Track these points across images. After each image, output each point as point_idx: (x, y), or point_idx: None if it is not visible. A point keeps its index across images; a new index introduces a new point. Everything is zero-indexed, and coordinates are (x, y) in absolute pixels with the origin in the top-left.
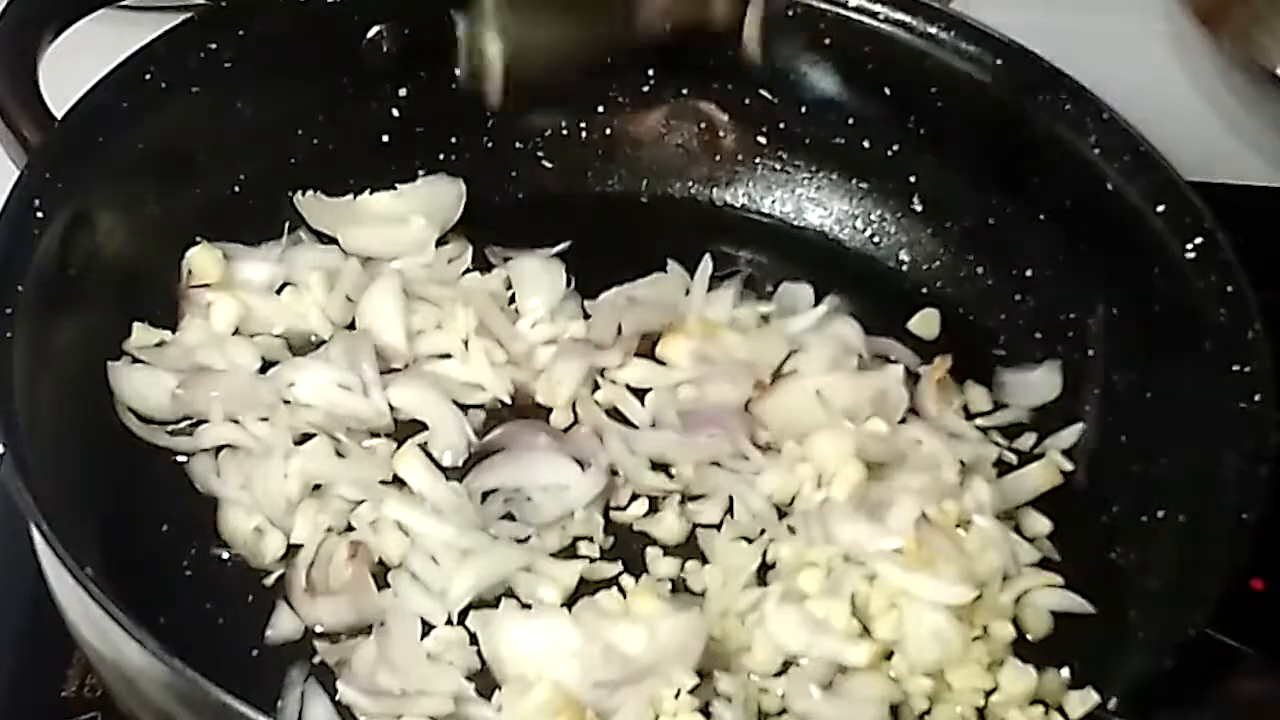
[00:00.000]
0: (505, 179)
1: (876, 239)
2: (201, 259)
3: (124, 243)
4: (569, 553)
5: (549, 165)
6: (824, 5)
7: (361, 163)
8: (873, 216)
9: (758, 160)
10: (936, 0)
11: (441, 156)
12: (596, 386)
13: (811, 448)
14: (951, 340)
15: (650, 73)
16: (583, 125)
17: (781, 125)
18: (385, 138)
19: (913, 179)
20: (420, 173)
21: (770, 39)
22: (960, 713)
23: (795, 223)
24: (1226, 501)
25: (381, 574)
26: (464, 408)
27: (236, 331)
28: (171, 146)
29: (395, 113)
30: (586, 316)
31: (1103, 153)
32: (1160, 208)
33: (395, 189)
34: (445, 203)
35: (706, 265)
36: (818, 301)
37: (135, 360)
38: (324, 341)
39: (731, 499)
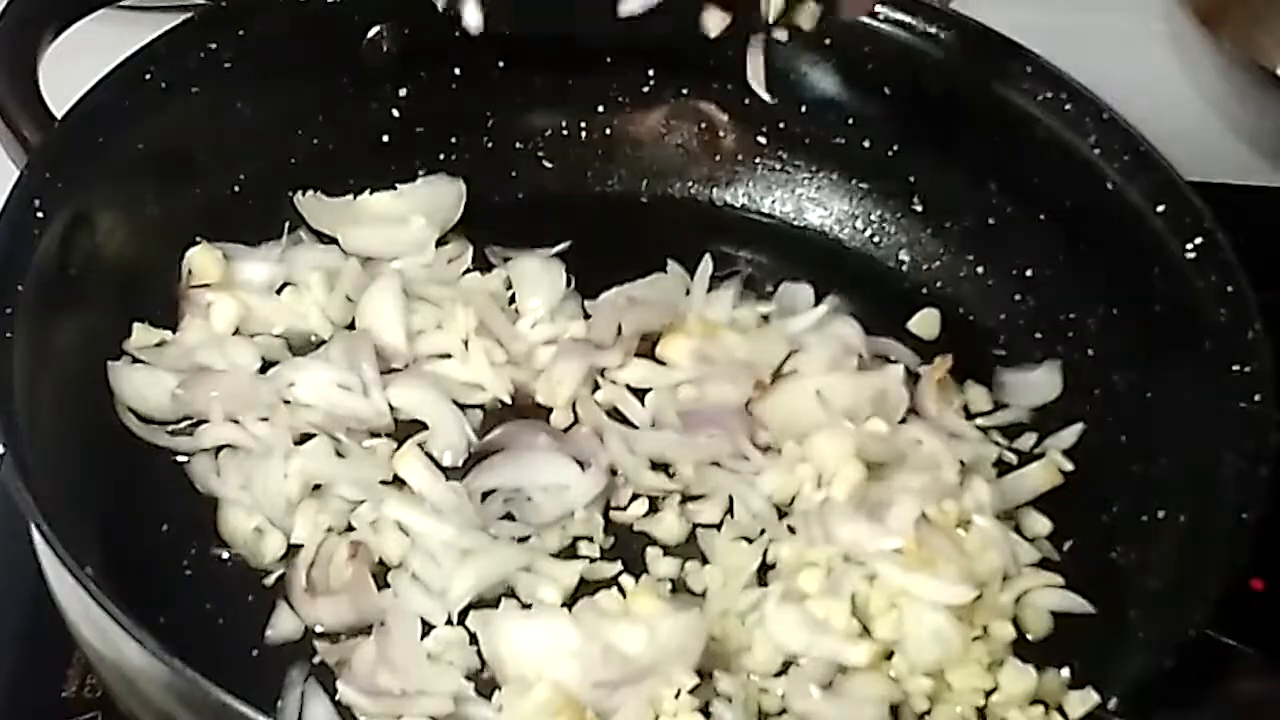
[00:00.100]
0: (505, 179)
1: (876, 239)
2: (201, 259)
3: (124, 243)
4: (569, 553)
5: (549, 165)
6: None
7: (361, 163)
8: (873, 216)
9: (758, 160)
10: (936, 0)
11: (441, 156)
12: (596, 386)
13: (811, 448)
14: (951, 340)
15: (650, 73)
16: (583, 125)
17: (781, 125)
18: (385, 138)
19: (913, 179)
20: (420, 173)
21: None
22: (960, 713)
23: (795, 223)
24: (1226, 501)
25: (381, 574)
26: (464, 408)
27: (236, 331)
28: (171, 146)
29: (395, 113)
30: (586, 316)
31: (1103, 153)
32: (1160, 208)
33: (395, 189)
34: (445, 203)
35: (706, 265)
36: (818, 301)
37: (135, 360)
38: (324, 341)
39: (731, 499)
